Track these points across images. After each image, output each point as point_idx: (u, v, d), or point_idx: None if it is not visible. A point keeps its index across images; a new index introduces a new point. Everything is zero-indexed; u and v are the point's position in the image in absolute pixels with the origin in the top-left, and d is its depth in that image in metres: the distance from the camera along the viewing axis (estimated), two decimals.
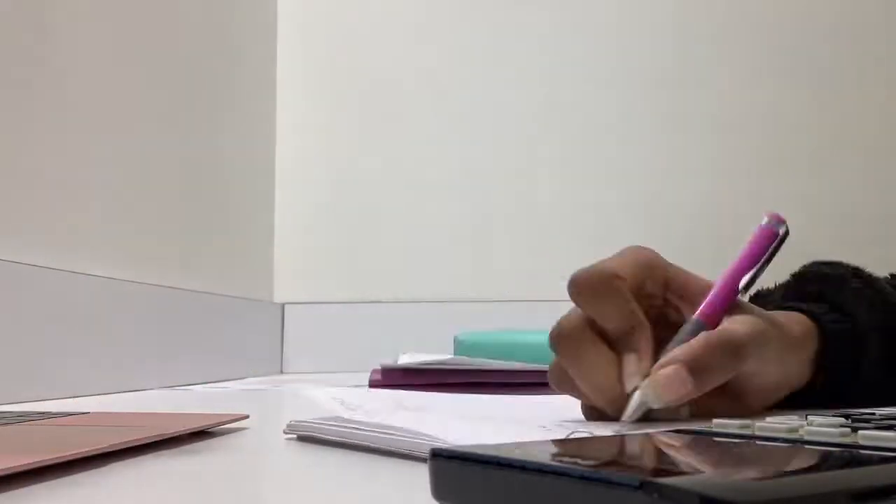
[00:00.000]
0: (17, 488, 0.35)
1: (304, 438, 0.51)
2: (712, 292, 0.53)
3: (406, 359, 1.04)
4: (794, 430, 0.31)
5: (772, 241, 0.55)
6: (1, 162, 0.88)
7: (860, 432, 0.29)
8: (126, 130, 1.12)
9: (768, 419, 0.32)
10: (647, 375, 0.49)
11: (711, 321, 0.52)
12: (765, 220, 0.56)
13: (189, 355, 1.23)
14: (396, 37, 1.69)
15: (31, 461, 0.37)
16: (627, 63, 1.62)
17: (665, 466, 0.28)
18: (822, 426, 0.30)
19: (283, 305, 1.65)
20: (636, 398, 0.48)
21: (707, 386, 0.49)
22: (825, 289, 0.62)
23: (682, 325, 0.52)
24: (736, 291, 0.53)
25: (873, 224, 1.51)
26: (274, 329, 1.62)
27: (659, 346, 0.51)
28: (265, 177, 1.65)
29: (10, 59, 0.89)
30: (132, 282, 1.08)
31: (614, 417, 0.49)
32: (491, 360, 0.99)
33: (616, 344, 0.51)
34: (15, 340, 0.85)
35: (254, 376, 1.40)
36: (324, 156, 1.69)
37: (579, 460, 0.26)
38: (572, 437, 0.35)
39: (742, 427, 0.32)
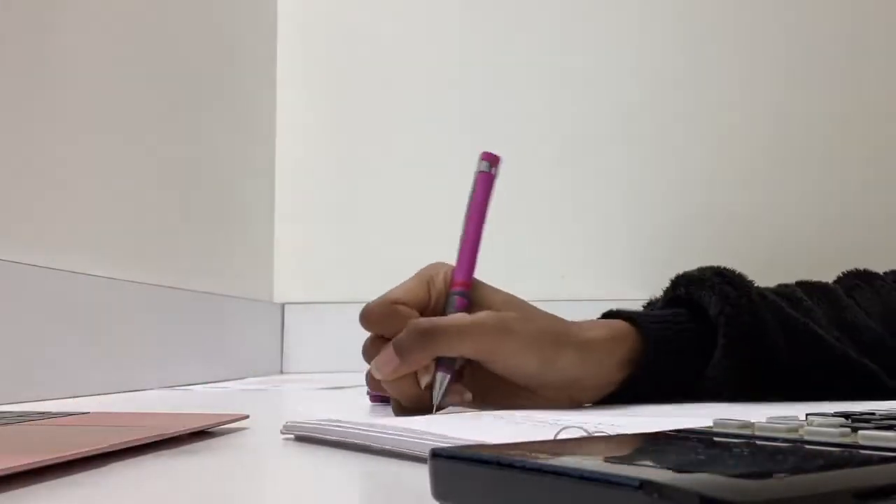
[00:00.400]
0: (17, 488, 0.35)
1: (303, 439, 0.51)
2: (457, 259, 0.63)
3: None
4: (794, 430, 0.31)
5: (491, 185, 0.64)
6: (1, 162, 0.88)
7: (860, 432, 0.29)
8: (126, 130, 1.12)
9: (768, 419, 0.32)
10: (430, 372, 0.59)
11: (464, 285, 0.62)
12: (481, 164, 0.66)
13: (189, 355, 1.23)
14: (397, 37, 1.69)
15: (31, 461, 0.37)
16: (628, 63, 1.62)
17: (665, 466, 0.28)
18: (822, 426, 0.30)
19: (283, 305, 1.65)
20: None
21: (411, 362, 0.58)
22: (691, 290, 0.67)
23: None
24: (477, 246, 0.63)
25: (878, 224, 1.51)
26: (274, 329, 1.63)
27: None
28: (265, 177, 1.65)
29: (10, 58, 0.89)
30: (132, 282, 1.08)
31: (415, 410, 0.58)
32: None
33: None
34: (15, 340, 0.85)
35: (254, 376, 1.40)
36: (324, 155, 1.69)
37: (579, 460, 0.26)
38: (560, 435, 0.35)
39: (742, 427, 0.32)
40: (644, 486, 0.22)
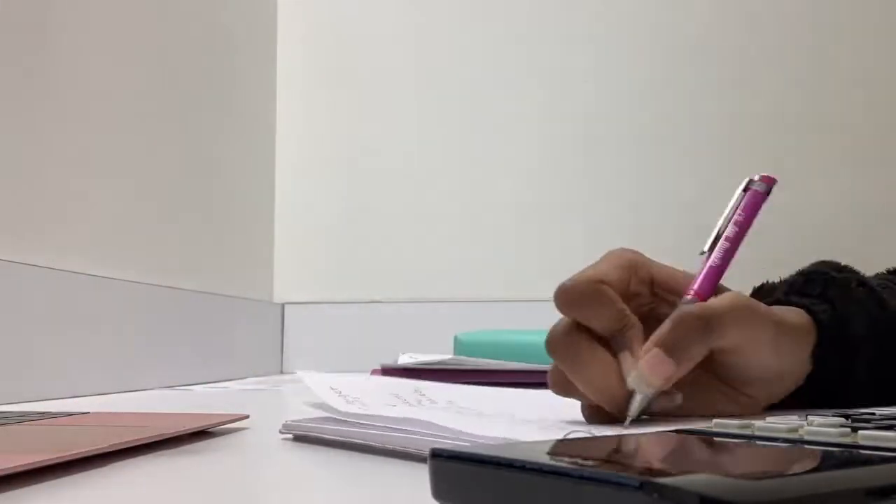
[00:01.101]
0: (17, 488, 0.35)
1: (303, 438, 0.51)
2: (703, 270, 0.53)
3: (406, 359, 1.04)
4: (794, 430, 0.31)
5: (759, 207, 0.55)
6: (2, 162, 0.88)
7: (860, 432, 0.29)
8: (126, 130, 1.12)
9: (768, 419, 0.32)
10: None
11: (703, 297, 0.52)
12: (756, 183, 0.56)
13: (189, 355, 1.23)
14: (396, 37, 1.69)
15: (31, 461, 0.37)
16: (628, 63, 1.62)
17: (665, 466, 0.28)
18: (822, 426, 0.30)
19: (283, 305, 1.65)
20: (636, 396, 0.49)
21: (687, 361, 0.49)
22: (829, 292, 0.60)
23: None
24: (725, 266, 0.54)
25: (876, 223, 1.51)
26: (274, 329, 1.63)
27: None
28: (265, 177, 1.65)
29: (11, 59, 0.89)
30: (132, 282, 1.08)
31: (616, 416, 0.49)
32: (491, 360, 0.99)
33: (610, 344, 0.51)
34: (15, 340, 0.85)
35: (254, 376, 1.40)
36: (324, 156, 1.69)
37: (579, 460, 0.26)
38: (570, 436, 0.35)
39: (742, 427, 0.32)
40: (644, 486, 0.22)
